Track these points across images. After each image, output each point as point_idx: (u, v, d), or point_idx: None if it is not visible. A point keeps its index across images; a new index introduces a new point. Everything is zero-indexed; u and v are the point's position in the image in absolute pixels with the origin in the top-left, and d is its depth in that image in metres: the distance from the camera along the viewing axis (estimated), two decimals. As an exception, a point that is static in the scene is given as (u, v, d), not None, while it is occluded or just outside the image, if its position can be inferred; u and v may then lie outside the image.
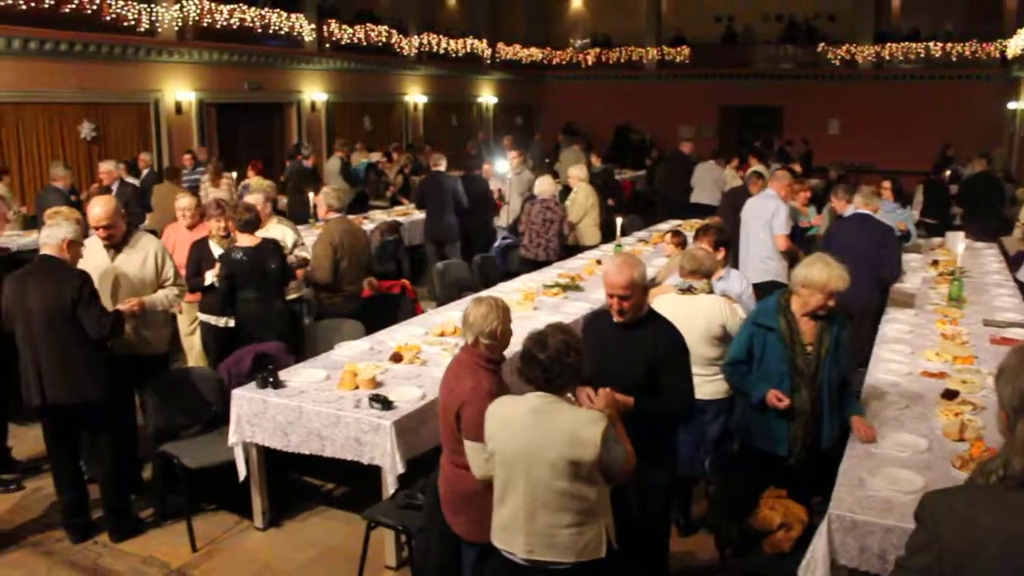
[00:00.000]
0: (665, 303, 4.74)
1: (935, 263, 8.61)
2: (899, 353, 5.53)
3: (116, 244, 5.36)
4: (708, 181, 14.09)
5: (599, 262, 8.46)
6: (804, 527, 3.91)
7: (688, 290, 5.00)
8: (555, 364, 3.17)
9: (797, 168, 13.81)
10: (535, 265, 8.80)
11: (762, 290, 6.43)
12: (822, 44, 23.89)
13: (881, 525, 3.41)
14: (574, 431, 3.11)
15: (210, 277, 6.16)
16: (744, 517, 4.08)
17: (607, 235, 9.99)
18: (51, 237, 4.79)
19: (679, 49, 25.44)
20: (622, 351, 3.89)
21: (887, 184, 9.77)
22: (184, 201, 6.91)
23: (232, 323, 6.20)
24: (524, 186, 11.24)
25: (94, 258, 5.25)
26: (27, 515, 5.41)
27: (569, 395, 3.32)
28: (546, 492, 3.15)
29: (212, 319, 6.33)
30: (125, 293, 5.20)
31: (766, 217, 7.71)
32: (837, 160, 16.65)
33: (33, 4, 12.67)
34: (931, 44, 22.70)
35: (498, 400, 3.36)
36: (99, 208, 5.31)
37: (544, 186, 9.24)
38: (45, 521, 5.29)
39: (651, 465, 3.74)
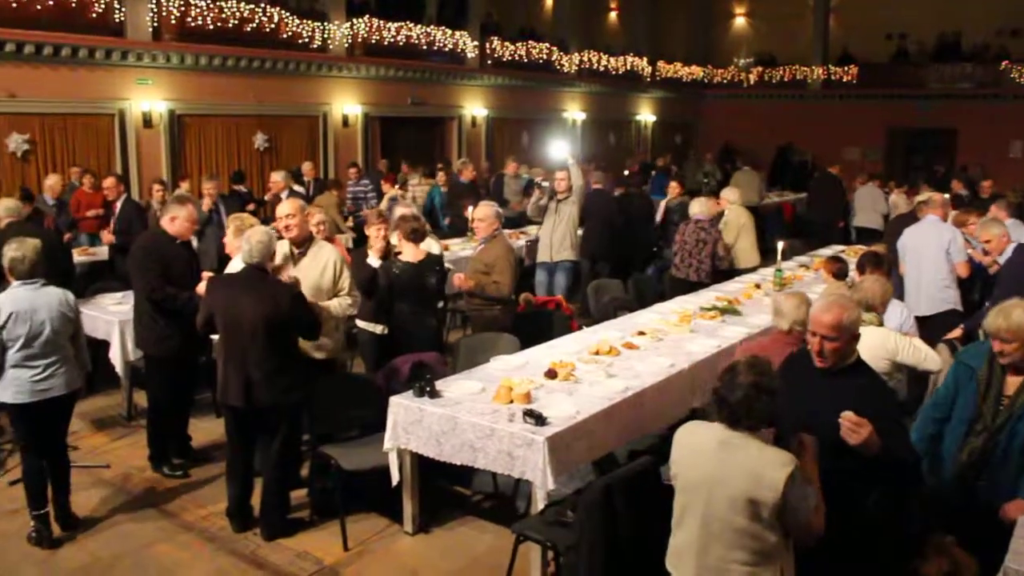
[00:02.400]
0: None
1: None
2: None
3: (300, 248, 5.62)
4: (869, 204, 13.60)
5: (758, 286, 8.24)
6: (972, 577, 3.65)
7: None
8: (743, 407, 3.08)
9: (986, 192, 13.00)
10: (687, 286, 8.68)
11: (938, 321, 6.10)
12: (1005, 62, 22.49)
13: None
14: (759, 470, 3.01)
15: (375, 260, 6.30)
16: (907, 560, 3.85)
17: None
18: (260, 249, 5.03)
19: (846, 68, 24.55)
20: (823, 400, 3.54)
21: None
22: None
23: (386, 331, 6.35)
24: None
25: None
26: (196, 501, 5.73)
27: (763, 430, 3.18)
28: (722, 527, 3.07)
29: (369, 326, 6.50)
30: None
31: (942, 244, 7.33)
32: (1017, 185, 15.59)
33: (219, 24, 13.49)
34: None
35: (688, 425, 3.31)
36: (286, 204, 5.67)
37: (699, 207, 9.13)
38: (211, 508, 5.57)
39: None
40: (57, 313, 5.00)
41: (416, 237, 6.18)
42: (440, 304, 6.54)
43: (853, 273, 6.98)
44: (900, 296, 6.46)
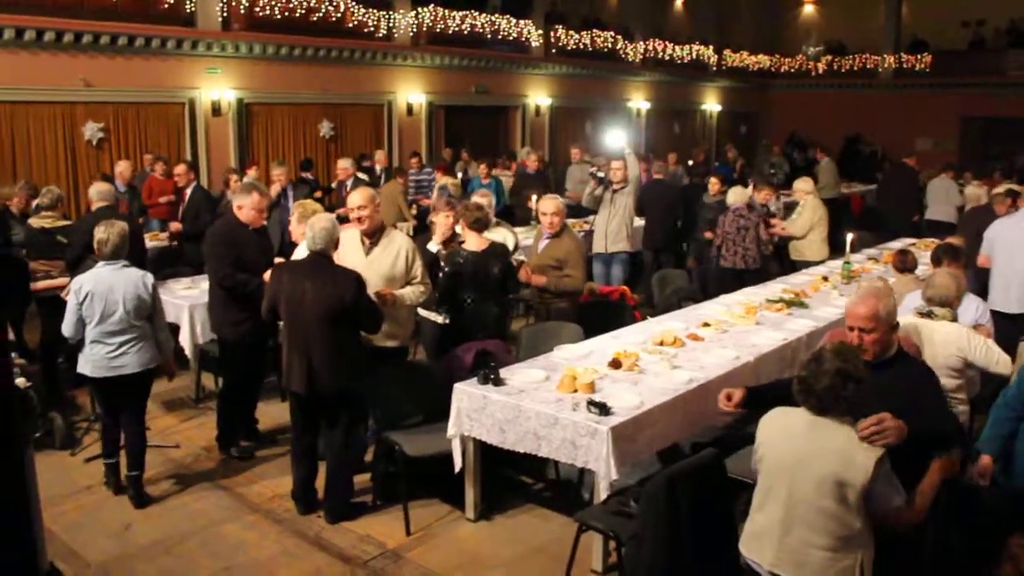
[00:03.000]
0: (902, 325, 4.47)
1: None
2: None
3: (372, 238, 5.66)
4: (942, 196, 13.23)
5: (825, 279, 8.09)
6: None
7: (927, 315, 4.70)
8: (829, 395, 3.09)
9: None
10: (735, 274, 8.82)
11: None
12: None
13: None
14: (850, 452, 3.01)
15: (434, 246, 6.37)
16: (985, 563, 3.74)
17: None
18: (323, 237, 5.08)
19: (919, 56, 23.91)
20: (867, 395, 3.41)
21: None
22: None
23: (448, 320, 6.36)
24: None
25: (350, 254, 5.55)
26: (262, 482, 5.83)
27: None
28: (807, 509, 3.07)
29: (431, 315, 6.51)
30: (375, 288, 5.44)
31: None
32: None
33: (286, 13, 13.67)
34: None
35: (775, 409, 3.31)
36: (357, 195, 5.67)
37: (735, 196, 9.22)
38: (277, 490, 5.66)
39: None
40: (132, 294, 5.23)
41: (479, 226, 6.17)
42: (507, 294, 6.51)
43: (925, 266, 6.83)
44: (974, 290, 6.25)
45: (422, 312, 6.52)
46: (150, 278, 5.39)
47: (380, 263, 5.61)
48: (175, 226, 9.40)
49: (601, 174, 9.21)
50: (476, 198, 7.06)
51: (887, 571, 3.36)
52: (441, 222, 6.52)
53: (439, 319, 6.31)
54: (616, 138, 9.75)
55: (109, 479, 5.65)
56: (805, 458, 3.07)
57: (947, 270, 5.37)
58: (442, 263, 6.20)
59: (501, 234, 6.91)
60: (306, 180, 12.03)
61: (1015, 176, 14.03)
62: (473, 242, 6.17)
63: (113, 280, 5.21)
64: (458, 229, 6.47)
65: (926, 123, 22.99)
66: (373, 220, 5.67)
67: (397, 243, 5.75)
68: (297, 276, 5.11)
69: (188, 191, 9.57)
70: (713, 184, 10.34)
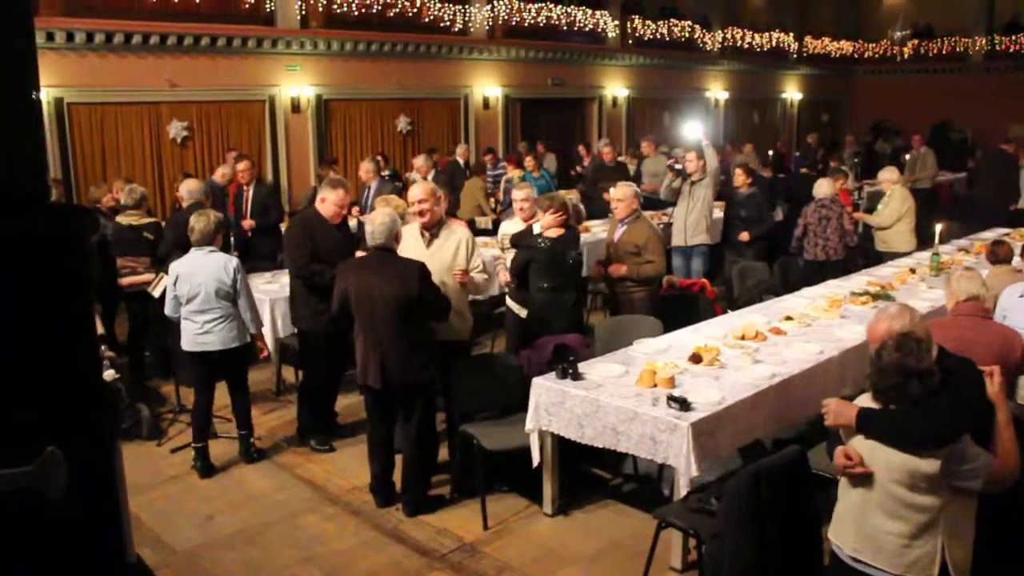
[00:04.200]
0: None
1: None
2: None
3: (432, 231, 5.68)
4: (1036, 185, 12.72)
5: (913, 271, 7.84)
6: None
7: None
8: (893, 393, 3.03)
9: None
10: (818, 266, 8.73)
11: None
12: None
13: None
14: None
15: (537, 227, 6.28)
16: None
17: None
18: (383, 231, 5.14)
19: (1014, 37, 22.94)
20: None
21: None
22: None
23: (525, 314, 6.34)
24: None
25: (411, 248, 5.59)
26: (341, 475, 5.90)
27: None
28: (882, 495, 3.03)
29: (516, 307, 6.50)
30: (437, 279, 5.46)
31: None
32: None
33: (363, 10, 13.81)
34: None
35: (862, 398, 3.24)
36: (418, 188, 5.75)
37: (822, 188, 9.10)
38: (356, 483, 5.72)
39: None
40: (214, 276, 5.68)
41: (558, 212, 6.17)
42: (580, 283, 6.48)
43: (1020, 259, 6.56)
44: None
45: (509, 303, 6.51)
46: (234, 262, 5.78)
47: (441, 255, 5.64)
48: (247, 223, 9.19)
49: (679, 166, 9.08)
50: (517, 192, 6.94)
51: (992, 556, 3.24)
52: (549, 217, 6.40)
53: (523, 313, 6.29)
54: (693, 129, 9.58)
55: (196, 463, 5.89)
56: (877, 445, 3.01)
57: None
58: (515, 246, 6.18)
59: (458, 235, 5.94)
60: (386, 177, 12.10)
61: None
62: (551, 229, 6.16)
63: (199, 264, 5.72)
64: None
65: (1020, 108, 22.06)
66: (434, 213, 5.70)
67: (457, 235, 5.79)
68: (363, 272, 5.16)
69: (251, 188, 9.33)
70: (739, 176, 9.60)
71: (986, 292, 4.74)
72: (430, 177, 10.59)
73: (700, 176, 8.94)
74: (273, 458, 6.18)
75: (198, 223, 5.75)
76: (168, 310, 5.85)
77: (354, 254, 5.97)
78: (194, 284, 5.68)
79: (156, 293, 6.56)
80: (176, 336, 5.96)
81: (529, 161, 12.24)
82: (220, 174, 9.75)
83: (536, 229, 6.24)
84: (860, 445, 3.11)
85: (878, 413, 3.07)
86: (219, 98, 12.86)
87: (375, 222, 5.15)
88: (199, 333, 5.74)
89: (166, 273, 6.35)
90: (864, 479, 3.09)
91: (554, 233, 6.12)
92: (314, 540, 5.05)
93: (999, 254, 6.43)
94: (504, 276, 6.63)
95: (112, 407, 5.04)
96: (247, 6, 12.75)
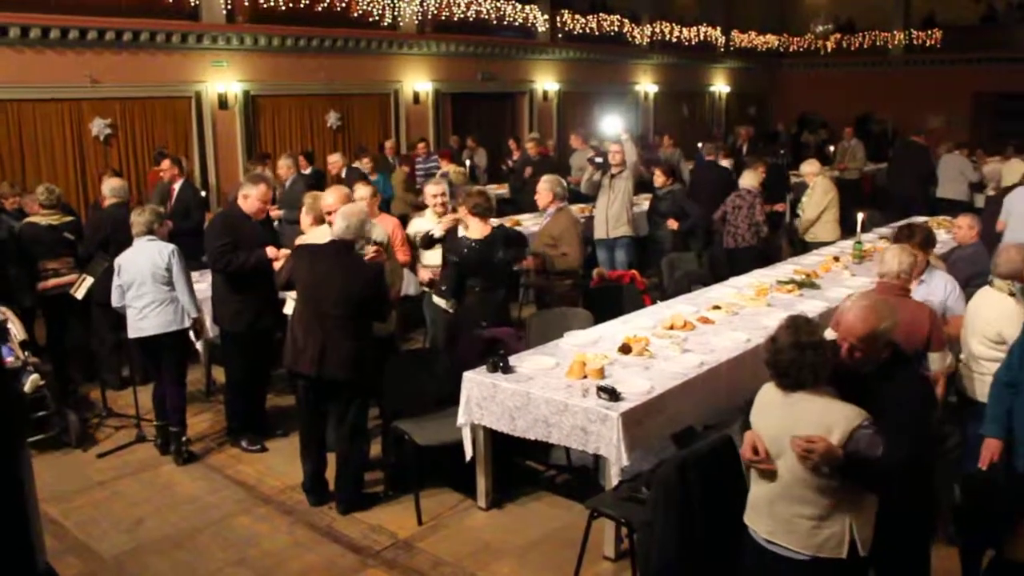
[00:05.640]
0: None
1: None
2: None
3: None
4: (954, 174, 13.08)
5: (836, 259, 8.03)
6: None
7: (988, 283, 5.03)
8: (792, 369, 3.12)
9: None
10: (729, 252, 9.01)
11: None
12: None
13: None
14: (828, 423, 3.03)
15: (437, 230, 6.35)
16: (998, 543, 3.70)
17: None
18: (357, 227, 5.13)
19: (930, 32, 23.63)
20: (853, 400, 3.24)
21: None
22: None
23: (454, 309, 6.33)
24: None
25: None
26: (273, 474, 5.84)
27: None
28: (792, 479, 3.11)
29: (443, 303, 6.50)
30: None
31: None
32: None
33: (291, 4, 13.62)
34: None
35: (765, 385, 3.33)
36: (331, 196, 5.73)
37: (745, 179, 9.25)
38: (288, 482, 5.66)
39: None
40: (150, 262, 5.82)
41: (482, 212, 6.16)
42: (514, 279, 6.52)
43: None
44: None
45: (434, 299, 6.51)
46: (169, 247, 5.89)
47: None
48: (167, 225, 8.91)
49: (599, 159, 9.16)
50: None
51: (891, 538, 3.36)
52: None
53: (447, 307, 6.31)
54: (613, 124, 9.71)
55: (158, 439, 6.13)
56: (787, 429, 3.08)
57: (1012, 244, 5.30)
58: (447, 252, 6.19)
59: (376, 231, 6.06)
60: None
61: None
62: (476, 229, 6.14)
63: (138, 251, 5.88)
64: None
65: (937, 100, 22.71)
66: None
67: (376, 231, 5.87)
68: (321, 260, 5.13)
69: (176, 187, 9.11)
70: (658, 177, 9.75)
71: (899, 268, 4.75)
72: (344, 175, 10.49)
73: (620, 169, 9.03)
74: (204, 460, 6.09)
75: (138, 217, 5.93)
76: (113, 300, 5.96)
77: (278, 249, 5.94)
78: (132, 271, 5.83)
79: (80, 295, 6.41)
80: (99, 338, 5.88)
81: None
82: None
83: (460, 232, 6.24)
84: (765, 432, 3.19)
85: (857, 462, 3.02)
86: (143, 94, 12.55)
87: (351, 217, 5.13)
88: (137, 319, 5.86)
89: (88, 275, 6.23)
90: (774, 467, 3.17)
91: (480, 234, 6.13)
92: (246, 542, 4.98)
93: (912, 235, 6.56)
94: (424, 274, 6.65)
95: (17, 407, 4.88)
96: (169, 1, 12.46)
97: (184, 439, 6.07)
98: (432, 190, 6.86)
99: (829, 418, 3.04)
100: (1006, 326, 4.68)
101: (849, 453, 2.99)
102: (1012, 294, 4.87)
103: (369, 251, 5.37)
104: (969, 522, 3.97)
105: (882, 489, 3.18)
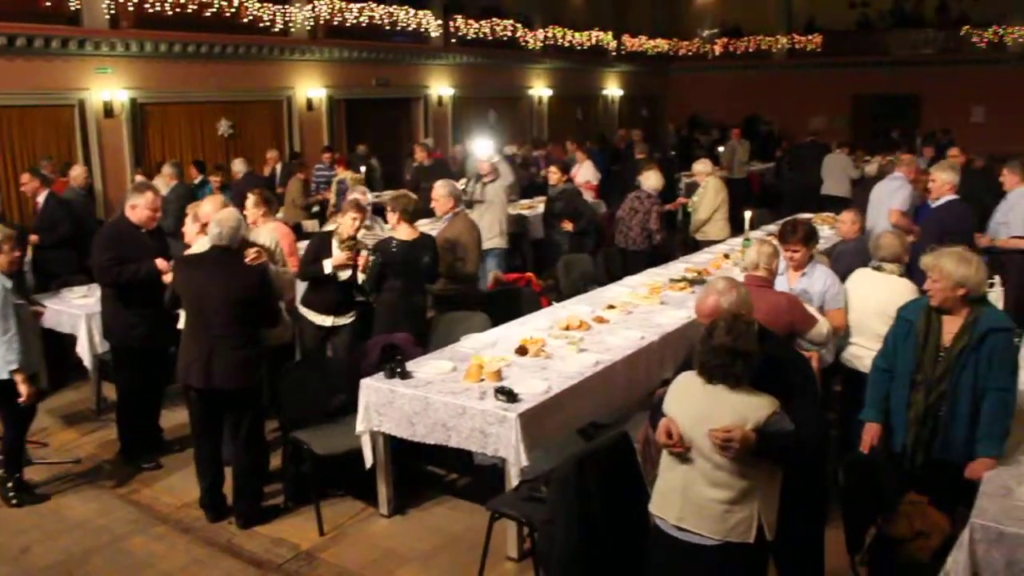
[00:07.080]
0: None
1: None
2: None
3: None
4: (838, 172, 13.67)
5: (726, 256, 8.29)
6: (945, 537, 3.68)
7: (877, 268, 5.35)
8: (719, 372, 3.21)
9: (957, 158, 12.33)
10: (619, 252, 9.10)
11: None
12: (966, 27, 22.59)
13: (1034, 538, 3.19)
14: (744, 412, 3.14)
15: (328, 266, 6.13)
16: (879, 522, 3.89)
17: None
18: (230, 232, 5.03)
19: (811, 37, 24.59)
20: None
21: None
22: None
23: (337, 323, 6.28)
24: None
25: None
26: (169, 492, 5.69)
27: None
28: (705, 465, 3.19)
29: (316, 317, 6.31)
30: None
31: (889, 197, 7.76)
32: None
33: (178, 10, 13.28)
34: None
35: (681, 375, 3.41)
36: (208, 205, 5.67)
37: (649, 180, 9.26)
38: (185, 499, 5.53)
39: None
40: None
41: (411, 216, 6.19)
42: (432, 283, 6.56)
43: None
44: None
45: (303, 311, 6.37)
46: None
47: None
48: (32, 238, 8.27)
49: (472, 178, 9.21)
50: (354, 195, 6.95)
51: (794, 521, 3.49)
52: (346, 223, 6.29)
53: (327, 322, 6.25)
54: (483, 148, 9.73)
55: (11, 493, 5.49)
56: (703, 417, 3.17)
57: (889, 230, 5.60)
58: (372, 251, 6.15)
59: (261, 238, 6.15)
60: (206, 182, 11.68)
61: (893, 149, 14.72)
62: (404, 232, 6.19)
63: None
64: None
65: (819, 102, 23.66)
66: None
67: (261, 238, 5.92)
68: (200, 269, 5.06)
69: (40, 200, 8.59)
70: (553, 174, 9.89)
71: (757, 259, 5.00)
72: (279, 168, 10.32)
73: (491, 177, 9.06)
74: (95, 481, 5.88)
75: None
76: None
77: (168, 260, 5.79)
78: None
79: None
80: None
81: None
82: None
83: (388, 232, 6.25)
84: (681, 419, 3.27)
85: (771, 435, 3.15)
86: (22, 102, 12.03)
87: (223, 223, 5.04)
88: None
89: None
90: (686, 454, 3.25)
91: (408, 236, 6.17)
92: (142, 563, 4.84)
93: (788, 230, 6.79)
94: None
95: None
96: (48, 4, 11.97)
97: (10, 484, 5.48)
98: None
99: (745, 408, 3.15)
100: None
101: (763, 433, 3.12)
102: (902, 275, 5.24)
103: (250, 253, 5.27)
104: (853, 502, 4.16)
105: (797, 460, 3.34)
